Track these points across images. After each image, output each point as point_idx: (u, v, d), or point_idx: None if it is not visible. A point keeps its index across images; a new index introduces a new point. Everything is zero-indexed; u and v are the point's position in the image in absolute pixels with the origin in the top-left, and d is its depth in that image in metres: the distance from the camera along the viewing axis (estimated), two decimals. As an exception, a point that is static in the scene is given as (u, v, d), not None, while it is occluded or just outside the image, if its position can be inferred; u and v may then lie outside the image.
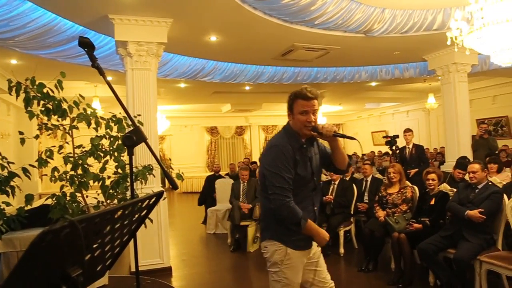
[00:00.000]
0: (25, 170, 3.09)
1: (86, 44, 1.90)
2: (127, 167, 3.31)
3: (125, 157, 3.54)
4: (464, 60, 6.88)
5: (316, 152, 2.32)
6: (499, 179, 5.04)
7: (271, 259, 2.22)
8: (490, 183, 3.95)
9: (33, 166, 3.23)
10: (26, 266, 0.90)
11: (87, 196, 3.59)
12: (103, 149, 3.48)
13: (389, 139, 6.11)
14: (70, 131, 3.46)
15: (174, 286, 4.44)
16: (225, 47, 6.38)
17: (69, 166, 3.34)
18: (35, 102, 3.19)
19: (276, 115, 17.07)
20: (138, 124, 2.00)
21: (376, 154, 12.08)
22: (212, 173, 9.04)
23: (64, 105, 3.30)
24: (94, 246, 1.19)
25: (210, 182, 8.04)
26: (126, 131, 3.14)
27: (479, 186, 3.89)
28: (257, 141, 17.61)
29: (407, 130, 6.73)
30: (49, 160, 3.28)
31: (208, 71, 7.49)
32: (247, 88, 9.63)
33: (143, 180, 3.67)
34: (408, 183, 4.90)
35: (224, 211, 6.97)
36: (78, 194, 3.42)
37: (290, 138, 2.21)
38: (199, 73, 7.44)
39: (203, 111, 15.70)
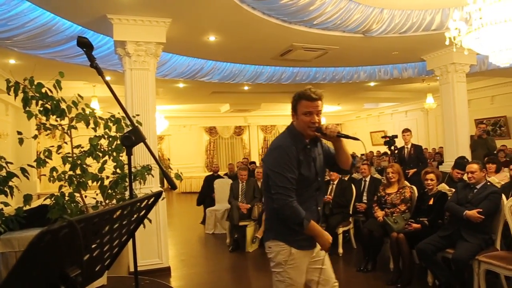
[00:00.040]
0: (23, 170, 3.09)
1: (84, 44, 1.90)
2: (126, 167, 3.31)
3: (123, 157, 3.54)
4: (462, 60, 6.90)
5: (319, 153, 2.33)
6: (498, 179, 5.06)
7: (275, 260, 2.23)
8: (488, 183, 3.96)
9: (32, 166, 3.22)
10: (25, 266, 0.90)
11: (85, 196, 3.59)
12: (102, 149, 3.48)
13: (388, 139, 6.12)
14: (68, 131, 3.46)
15: (172, 286, 4.44)
16: (224, 47, 6.38)
17: (68, 166, 3.33)
18: (34, 102, 3.19)
19: (275, 115, 17.08)
20: (136, 124, 2.00)
21: (375, 154, 12.10)
22: (211, 173, 9.04)
23: (63, 105, 3.30)
24: (93, 246, 1.19)
25: (208, 182, 8.04)
26: (125, 131, 3.14)
27: (478, 186, 3.89)
28: (256, 141, 17.61)
29: (406, 130, 6.74)
30: (47, 160, 3.27)
31: (207, 71, 7.49)
32: (246, 88, 9.63)
33: (141, 180, 3.67)
34: (406, 183, 4.90)
35: (223, 211, 6.97)
36: (77, 194, 3.42)
37: (293, 139, 2.22)
38: (197, 73, 7.43)
39: (202, 111, 15.69)
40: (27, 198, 3.16)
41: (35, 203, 4.45)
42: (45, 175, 3.67)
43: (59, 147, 3.45)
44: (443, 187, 4.62)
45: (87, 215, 1.06)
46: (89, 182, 3.41)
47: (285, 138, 2.25)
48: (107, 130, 3.50)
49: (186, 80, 7.77)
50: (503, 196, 3.78)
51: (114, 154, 3.51)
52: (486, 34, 4.10)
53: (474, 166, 3.93)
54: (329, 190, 5.69)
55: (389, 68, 8.53)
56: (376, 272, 4.51)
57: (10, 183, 3.06)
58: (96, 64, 1.90)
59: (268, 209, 2.32)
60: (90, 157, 3.39)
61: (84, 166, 3.36)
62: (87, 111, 3.44)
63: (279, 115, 17.06)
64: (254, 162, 10.74)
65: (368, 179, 5.87)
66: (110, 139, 3.50)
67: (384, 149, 8.62)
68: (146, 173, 3.67)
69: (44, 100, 3.20)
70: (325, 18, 5.30)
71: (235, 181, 6.62)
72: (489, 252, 3.58)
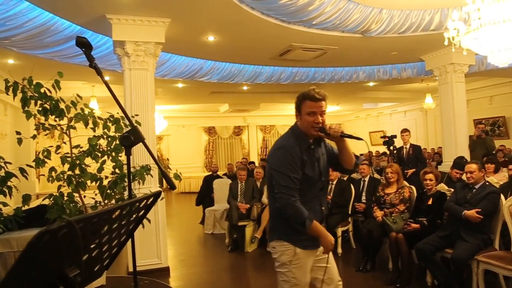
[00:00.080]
0: (22, 170, 3.09)
1: (83, 44, 1.90)
2: (125, 167, 3.30)
3: (122, 157, 3.54)
4: (461, 60, 6.90)
5: (323, 153, 2.33)
6: (496, 179, 5.07)
7: (280, 260, 2.23)
8: (487, 183, 3.97)
9: (31, 166, 3.22)
10: (23, 266, 0.90)
11: (84, 196, 3.59)
12: (101, 149, 3.48)
13: (387, 139, 6.12)
14: (67, 131, 3.46)
15: (172, 286, 4.44)
16: (223, 47, 6.38)
17: (67, 166, 3.33)
18: (33, 102, 3.19)
19: (274, 115, 17.08)
20: (135, 124, 2.00)
21: (374, 154, 12.11)
22: (210, 173, 9.04)
23: (62, 105, 3.30)
24: (92, 246, 1.19)
25: (208, 182, 8.04)
26: (124, 131, 3.14)
27: (476, 186, 3.90)
28: (255, 141, 17.61)
29: (404, 130, 6.75)
30: (46, 160, 3.27)
31: (206, 71, 7.49)
32: (245, 88, 9.63)
33: (140, 180, 3.67)
34: (405, 183, 4.90)
35: (222, 211, 6.97)
36: (76, 194, 3.42)
37: (297, 139, 2.22)
38: (197, 73, 7.43)
39: (201, 111, 15.69)
40: (26, 198, 3.16)
41: (33, 203, 4.45)
42: (44, 175, 3.66)
43: (58, 147, 3.44)
44: (442, 187, 4.63)
45: (86, 215, 1.06)
46: (88, 182, 3.41)
47: (289, 138, 2.25)
48: (106, 130, 3.50)
49: (185, 80, 7.76)
50: (502, 196, 3.79)
51: (113, 154, 3.51)
52: (484, 34, 4.11)
53: (473, 166, 3.93)
54: (328, 190, 5.69)
55: (388, 68, 8.53)
56: (375, 272, 4.51)
57: (9, 183, 3.06)
58: (95, 64, 1.90)
59: (272, 209, 2.32)
60: (89, 157, 3.39)
61: (83, 166, 3.36)
62: (86, 111, 3.44)
63: (278, 115, 17.07)
64: (253, 162, 10.74)
65: (367, 179, 5.87)
66: (109, 139, 3.50)
67: (383, 149, 8.63)
68: (145, 173, 3.67)
69: (43, 100, 3.20)
70: (324, 18, 5.30)
71: (234, 181, 6.62)
72: (487, 252, 3.58)
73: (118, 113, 3.35)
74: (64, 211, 3.23)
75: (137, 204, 1.36)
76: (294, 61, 7.46)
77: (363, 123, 17.47)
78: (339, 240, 5.32)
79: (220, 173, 8.95)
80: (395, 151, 6.33)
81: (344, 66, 8.32)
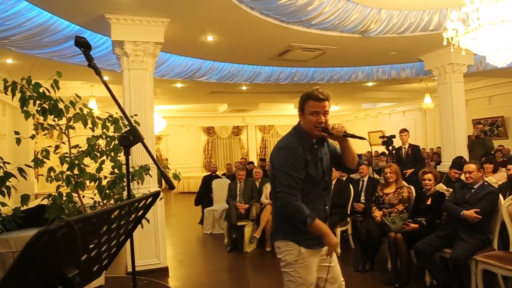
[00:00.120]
0: (21, 170, 3.09)
1: (82, 44, 1.90)
2: (124, 167, 3.30)
3: (121, 157, 3.54)
4: (460, 60, 6.91)
5: (326, 152, 2.34)
6: (495, 179, 5.08)
7: (285, 259, 2.23)
8: (485, 183, 3.98)
9: (29, 166, 3.22)
10: (22, 266, 0.89)
11: (83, 196, 3.58)
12: (100, 149, 3.48)
13: (386, 139, 6.13)
14: (66, 131, 3.46)
15: (170, 286, 4.44)
16: (222, 47, 6.37)
17: (66, 166, 3.33)
18: (31, 102, 3.19)
19: (273, 115, 17.10)
20: (134, 124, 2.00)
21: (373, 154, 12.11)
22: (209, 173, 9.04)
23: (61, 105, 3.30)
24: (91, 246, 1.19)
25: (206, 182, 8.04)
26: (123, 131, 3.14)
27: (475, 186, 3.90)
28: (254, 141, 17.61)
29: (403, 131, 6.76)
30: (45, 160, 3.27)
31: (205, 71, 7.49)
32: (244, 88, 9.63)
33: (139, 180, 3.67)
34: (404, 183, 4.91)
35: (221, 211, 6.97)
36: (75, 194, 3.42)
37: (300, 139, 2.23)
38: (196, 73, 7.43)
39: (200, 111, 15.68)
40: (25, 198, 3.16)
41: (32, 203, 4.44)
42: (42, 175, 3.66)
43: (57, 147, 3.44)
44: (441, 187, 4.64)
45: (85, 215, 1.06)
46: (87, 182, 3.41)
47: (292, 137, 2.26)
48: (105, 130, 3.50)
49: (184, 80, 7.76)
50: (500, 196, 3.80)
51: (112, 154, 3.51)
52: (483, 35, 4.12)
53: (472, 166, 3.94)
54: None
55: (387, 68, 8.54)
56: (374, 272, 4.52)
57: (8, 183, 3.06)
58: (94, 64, 1.90)
59: (275, 209, 2.33)
60: (88, 157, 3.39)
61: (82, 166, 3.36)
62: (85, 111, 3.44)
63: (277, 115, 17.09)
64: (252, 162, 10.74)
65: (366, 179, 5.88)
66: (108, 139, 3.50)
67: (382, 149, 8.64)
68: (144, 173, 3.68)
69: (41, 100, 3.20)
70: (323, 18, 5.30)
71: (233, 181, 6.62)
72: (486, 252, 3.58)
73: (117, 113, 3.35)
74: (63, 211, 3.23)
75: (136, 204, 1.36)
76: (293, 61, 7.46)
77: (362, 123, 17.48)
78: (338, 240, 5.32)
79: (219, 173, 8.94)
80: (394, 151, 6.34)
81: (343, 66, 8.33)
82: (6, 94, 3.07)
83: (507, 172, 4.86)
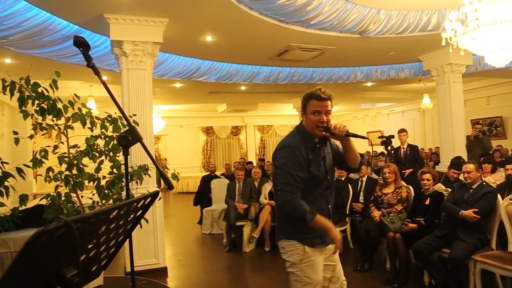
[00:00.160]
0: (19, 170, 3.08)
1: (81, 44, 1.89)
2: (123, 167, 3.30)
3: (120, 157, 3.54)
4: (458, 60, 6.93)
5: (329, 151, 2.35)
6: (493, 179, 5.09)
7: (290, 259, 2.23)
8: (484, 183, 3.98)
9: (28, 166, 3.21)
10: (21, 266, 0.89)
11: (82, 196, 3.58)
12: (98, 149, 3.47)
13: (385, 139, 6.13)
14: (65, 131, 3.45)
15: (169, 286, 4.43)
16: (221, 47, 6.37)
17: (64, 166, 3.33)
18: (30, 101, 3.18)
19: (272, 115, 17.11)
20: (133, 124, 2.00)
21: (372, 154, 12.11)
22: (208, 173, 9.03)
23: (59, 105, 3.29)
24: (89, 246, 1.19)
25: (205, 182, 8.03)
26: (122, 131, 3.14)
27: (474, 186, 3.91)
28: (252, 141, 17.62)
29: (402, 131, 6.77)
30: (43, 160, 3.27)
31: (203, 71, 7.49)
32: (243, 88, 9.63)
33: (138, 180, 3.67)
34: (403, 183, 4.91)
35: (220, 211, 6.96)
36: (73, 194, 3.41)
37: (302, 138, 2.24)
38: (194, 73, 7.43)
39: (199, 111, 15.68)
40: (23, 198, 3.16)
41: (31, 203, 4.44)
42: (41, 175, 3.66)
43: (56, 147, 3.44)
44: (440, 187, 4.64)
45: (83, 215, 1.06)
46: (86, 182, 3.40)
47: (294, 137, 2.27)
48: (103, 130, 3.50)
49: (183, 80, 7.76)
50: (499, 196, 3.81)
51: (111, 154, 3.51)
52: (482, 35, 4.12)
53: (470, 166, 3.95)
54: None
55: (386, 68, 8.55)
56: (373, 272, 4.52)
57: (6, 183, 3.05)
58: (92, 64, 1.90)
59: (278, 209, 2.34)
60: (87, 157, 3.39)
61: (81, 166, 3.35)
62: (84, 111, 3.43)
63: (276, 115, 17.09)
64: (251, 162, 10.75)
65: (364, 179, 5.88)
66: (107, 139, 3.49)
67: (380, 149, 8.64)
68: (143, 173, 3.67)
69: (40, 99, 3.19)
70: (322, 18, 5.31)
71: (232, 181, 6.62)
72: (484, 252, 3.59)
73: (115, 113, 3.35)
74: (61, 211, 3.23)
75: (135, 204, 1.36)
76: (292, 61, 7.46)
77: (361, 123, 17.49)
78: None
79: (218, 173, 8.94)
80: (392, 151, 6.35)
81: (342, 66, 8.34)
82: (5, 94, 3.06)
83: (506, 172, 4.87)
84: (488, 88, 11.41)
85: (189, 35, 5.72)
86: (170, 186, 1.92)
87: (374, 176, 6.60)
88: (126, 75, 4.84)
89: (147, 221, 3.44)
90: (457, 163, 5.39)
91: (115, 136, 3.46)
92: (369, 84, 9.65)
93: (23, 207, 3.25)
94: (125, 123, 1.97)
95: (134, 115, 4.16)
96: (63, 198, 3.29)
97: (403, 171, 6.14)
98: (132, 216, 1.39)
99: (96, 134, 3.45)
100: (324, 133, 2.21)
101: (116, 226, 1.29)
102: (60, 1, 4.41)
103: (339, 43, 6.29)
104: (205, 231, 7.16)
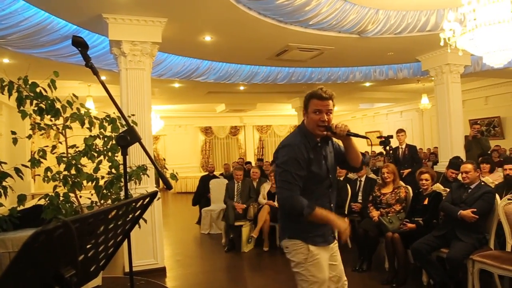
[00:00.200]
0: (17, 170, 3.07)
1: (79, 44, 1.89)
2: (121, 167, 3.29)
3: (119, 157, 3.53)
4: (457, 61, 6.94)
5: (331, 151, 2.36)
6: (492, 179, 5.10)
7: (295, 259, 2.23)
8: (482, 183, 3.99)
9: (26, 166, 3.20)
10: (19, 266, 0.89)
11: (80, 197, 3.57)
12: (97, 149, 3.47)
13: (383, 139, 6.13)
14: (63, 131, 3.45)
15: (168, 286, 4.43)
16: (220, 47, 6.37)
17: (63, 166, 3.32)
18: (28, 101, 3.18)
19: (271, 115, 17.11)
20: (132, 124, 2.00)
21: (370, 154, 12.14)
22: (207, 173, 9.03)
23: (57, 105, 3.29)
24: (88, 246, 1.19)
25: (204, 182, 8.03)
26: (120, 131, 3.13)
27: (472, 186, 3.92)
28: (251, 141, 17.62)
29: (400, 131, 6.78)
30: (42, 160, 3.26)
31: (202, 71, 7.48)
32: (241, 88, 9.63)
33: (137, 180, 3.66)
34: (401, 183, 4.92)
35: (219, 211, 6.96)
36: (72, 195, 3.41)
37: (303, 137, 2.25)
38: (193, 73, 7.42)
39: (198, 111, 15.68)
40: (21, 198, 3.15)
41: (29, 204, 4.43)
42: (39, 175, 3.65)
43: (54, 147, 3.43)
44: (438, 187, 4.65)
45: (82, 215, 1.06)
46: (84, 182, 3.40)
47: (295, 136, 2.29)
48: (102, 130, 3.49)
49: (182, 80, 7.75)
50: (497, 196, 3.81)
51: (109, 154, 3.50)
52: (480, 35, 4.13)
53: (469, 166, 3.95)
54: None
55: (385, 68, 8.56)
56: (371, 271, 4.52)
57: (4, 183, 3.05)
58: (91, 64, 1.90)
59: (279, 207, 2.36)
60: (85, 157, 3.38)
61: (79, 166, 3.35)
62: (82, 110, 3.43)
63: (275, 115, 17.10)
64: (249, 162, 10.74)
65: (363, 179, 5.89)
66: (105, 139, 3.49)
67: (379, 149, 8.65)
68: (141, 173, 3.67)
69: (38, 99, 3.19)
70: (320, 18, 5.31)
71: (230, 181, 6.62)
72: (483, 252, 3.60)
73: (114, 113, 3.34)
74: (60, 211, 3.22)
75: (134, 204, 1.36)
76: (290, 61, 7.46)
77: (359, 123, 17.51)
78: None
79: (216, 173, 8.94)
80: (391, 151, 6.35)
81: (340, 67, 8.34)
82: (3, 93, 3.05)
83: (504, 172, 4.88)
84: (486, 88, 11.43)
85: (188, 35, 5.71)
86: (168, 186, 1.92)
87: (373, 176, 6.61)
88: (125, 75, 4.84)
89: (145, 221, 3.43)
90: (455, 163, 5.40)
91: (113, 136, 3.45)
92: (367, 84, 9.66)
93: (21, 207, 3.24)
94: (124, 123, 1.97)
95: (133, 115, 4.15)
96: (61, 198, 3.29)
97: (401, 171, 6.14)
98: (130, 216, 1.39)
99: (94, 134, 3.44)
100: (325, 132, 2.22)
101: (115, 226, 1.29)
102: (59, 1, 4.40)
103: (338, 43, 6.30)
104: (204, 231, 7.16)
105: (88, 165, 3.45)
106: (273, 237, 5.88)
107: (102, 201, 3.50)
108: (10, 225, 3.11)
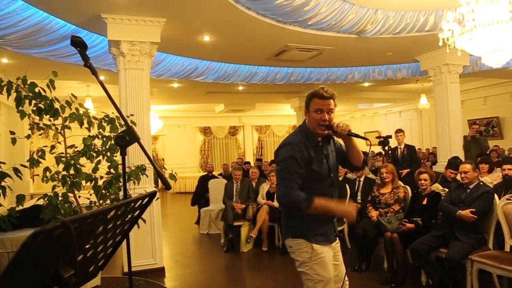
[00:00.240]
0: (16, 170, 3.07)
1: (78, 44, 1.89)
2: (120, 167, 3.29)
3: (117, 157, 3.53)
4: (455, 61, 6.94)
5: (332, 150, 2.38)
6: (490, 179, 5.11)
7: (299, 258, 2.24)
8: (481, 183, 4.00)
9: (25, 166, 3.20)
10: (18, 266, 0.89)
11: (79, 197, 3.57)
12: (96, 149, 3.46)
13: (382, 139, 6.14)
14: (62, 131, 3.44)
15: (167, 286, 4.43)
16: (219, 47, 6.37)
17: (61, 166, 3.32)
18: (27, 101, 3.17)
19: (270, 115, 17.11)
20: (131, 124, 2.00)
21: (370, 155, 12.15)
22: (205, 173, 9.02)
23: (56, 105, 3.28)
24: (87, 246, 1.19)
25: (203, 182, 8.02)
26: (119, 131, 3.13)
27: (471, 186, 3.92)
28: (250, 141, 17.61)
29: (399, 131, 6.78)
30: (40, 160, 3.26)
31: (201, 71, 7.48)
32: (240, 88, 9.63)
33: (136, 180, 3.66)
34: (400, 183, 4.93)
35: (217, 211, 6.96)
36: (70, 195, 3.41)
37: (304, 136, 2.26)
38: (192, 73, 7.42)
39: (196, 111, 15.67)
40: (20, 198, 3.14)
41: (28, 204, 4.42)
42: (38, 175, 3.65)
43: (53, 147, 3.43)
44: (437, 187, 4.65)
45: (80, 216, 1.06)
46: (83, 182, 3.39)
47: (296, 135, 2.30)
48: (101, 130, 3.49)
49: (181, 80, 7.75)
50: (496, 196, 3.82)
51: (108, 154, 3.50)
52: (479, 35, 4.14)
53: (467, 166, 3.96)
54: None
55: (383, 68, 8.57)
56: (370, 272, 4.53)
57: (3, 183, 3.04)
58: (90, 64, 1.90)
59: (280, 205, 2.38)
60: (84, 157, 3.38)
61: (78, 166, 3.34)
62: (81, 110, 3.43)
63: (274, 115, 17.09)
64: (248, 162, 10.74)
65: (362, 179, 5.89)
66: (104, 139, 3.49)
67: (378, 149, 8.66)
68: (140, 173, 3.67)
69: (37, 99, 3.18)
70: (319, 18, 5.31)
71: (229, 181, 6.62)
72: (481, 252, 3.61)
73: (113, 113, 3.34)
74: (58, 212, 3.22)
75: (132, 204, 1.36)
76: (289, 61, 7.47)
77: (358, 123, 17.52)
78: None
79: (215, 173, 8.93)
80: (390, 151, 6.36)
81: (339, 67, 8.35)
82: (2, 93, 3.05)
83: (502, 172, 4.89)
84: (485, 89, 11.45)
85: (187, 35, 5.71)
86: (167, 186, 1.92)
87: (372, 176, 6.61)
88: (124, 75, 4.83)
89: (144, 221, 3.43)
90: (454, 163, 5.41)
91: (112, 136, 3.45)
92: (366, 84, 9.67)
93: (20, 207, 3.23)
94: (123, 123, 1.97)
95: (132, 115, 4.15)
96: (60, 198, 3.29)
97: (400, 171, 6.15)
98: (129, 216, 1.39)
99: (93, 134, 3.44)
100: (325, 131, 2.23)
101: (114, 226, 1.29)
102: (58, 1, 4.40)
103: (337, 43, 6.30)
104: (203, 231, 7.16)
105: (87, 165, 3.45)
106: (272, 237, 5.89)
107: (101, 201, 3.49)
108: (9, 225, 3.10)
